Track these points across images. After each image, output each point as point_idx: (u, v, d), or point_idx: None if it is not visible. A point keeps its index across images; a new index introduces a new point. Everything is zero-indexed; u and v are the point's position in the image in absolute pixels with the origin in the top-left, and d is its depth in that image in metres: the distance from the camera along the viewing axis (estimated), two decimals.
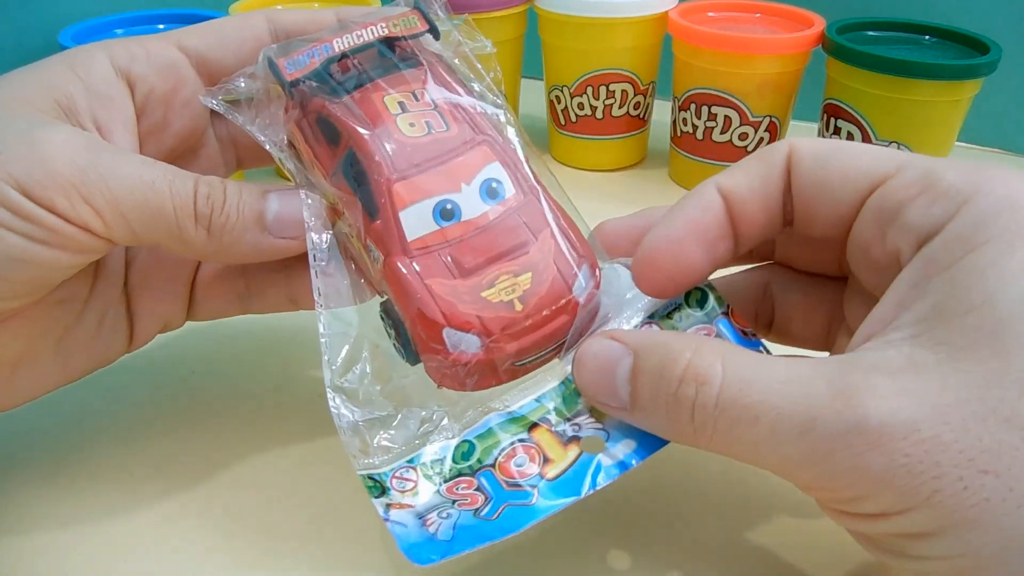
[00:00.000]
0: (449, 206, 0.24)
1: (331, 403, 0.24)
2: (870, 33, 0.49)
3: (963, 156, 0.55)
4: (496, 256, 0.24)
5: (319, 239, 0.25)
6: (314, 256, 0.25)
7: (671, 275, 0.23)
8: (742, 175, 0.23)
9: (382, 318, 0.26)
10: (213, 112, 0.28)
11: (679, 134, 0.52)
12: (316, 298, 0.25)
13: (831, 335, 0.27)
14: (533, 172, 0.26)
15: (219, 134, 0.30)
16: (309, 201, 0.25)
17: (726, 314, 0.25)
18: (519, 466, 0.23)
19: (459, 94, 0.26)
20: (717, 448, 0.20)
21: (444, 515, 0.22)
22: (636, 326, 0.25)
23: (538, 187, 0.25)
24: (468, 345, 0.23)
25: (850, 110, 0.47)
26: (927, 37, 0.48)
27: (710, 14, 0.53)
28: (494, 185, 0.25)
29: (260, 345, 0.37)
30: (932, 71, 0.43)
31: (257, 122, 0.26)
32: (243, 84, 0.26)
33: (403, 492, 0.23)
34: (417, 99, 0.25)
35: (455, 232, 0.24)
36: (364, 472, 0.24)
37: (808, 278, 0.27)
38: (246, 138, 0.28)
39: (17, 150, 0.22)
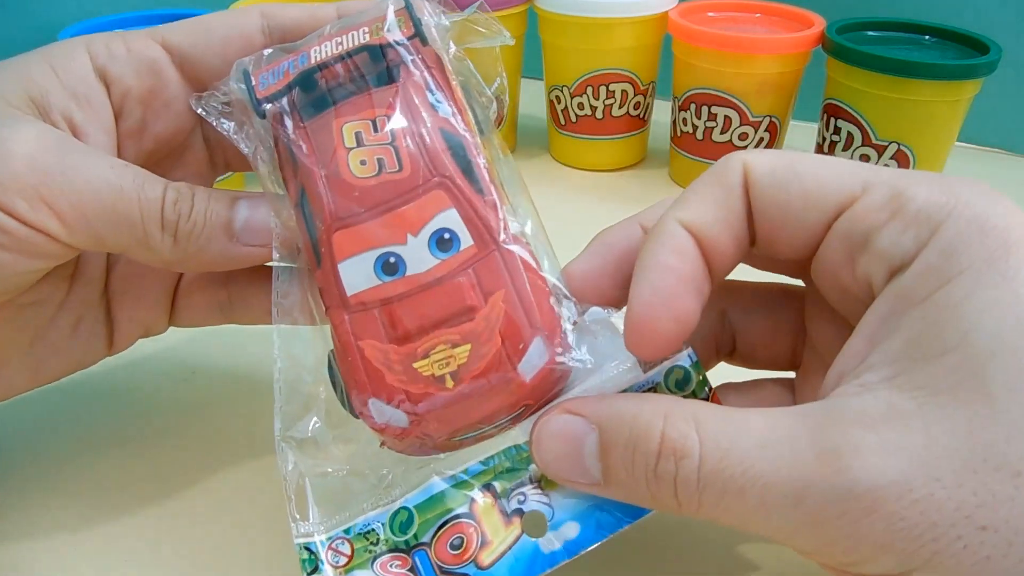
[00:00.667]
0: (392, 259, 0.22)
1: (279, 456, 0.23)
2: (870, 33, 0.49)
3: (963, 156, 0.55)
4: (436, 321, 0.21)
5: (280, 259, 0.24)
6: (277, 275, 0.24)
7: (671, 335, 0.21)
8: (702, 205, 0.22)
9: (329, 366, 0.23)
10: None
11: (679, 134, 0.52)
12: (274, 318, 0.24)
13: (796, 354, 0.26)
14: (504, 220, 0.22)
15: (208, 136, 0.29)
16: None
17: (707, 398, 0.23)
18: (454, 550, 0.22)
19: (426, 119, 0.23)
20: (707, 518, 0.19)
21: None
22: None
23: (502, 236, 0.22)
24: (395, 419, 0.21)
25: (850, 110, 0.47)
26: (927, 37, 0.48)
27: (710, 14, 0.53)
28: (446, 236, 0.22)
29: (261, 347, 0.37)
30: (932, 71, 0.43)
31: (245, 130, 0.25)
32: (234, 88, 0.24)
33: (335, 567, 0.22)
34: (376, 130, 0.22)
35: (396, 288, 0.21)
36: (301, 542, 0.22)
37: (765, 296, 0.26)
38: None
39: None
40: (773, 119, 0.49)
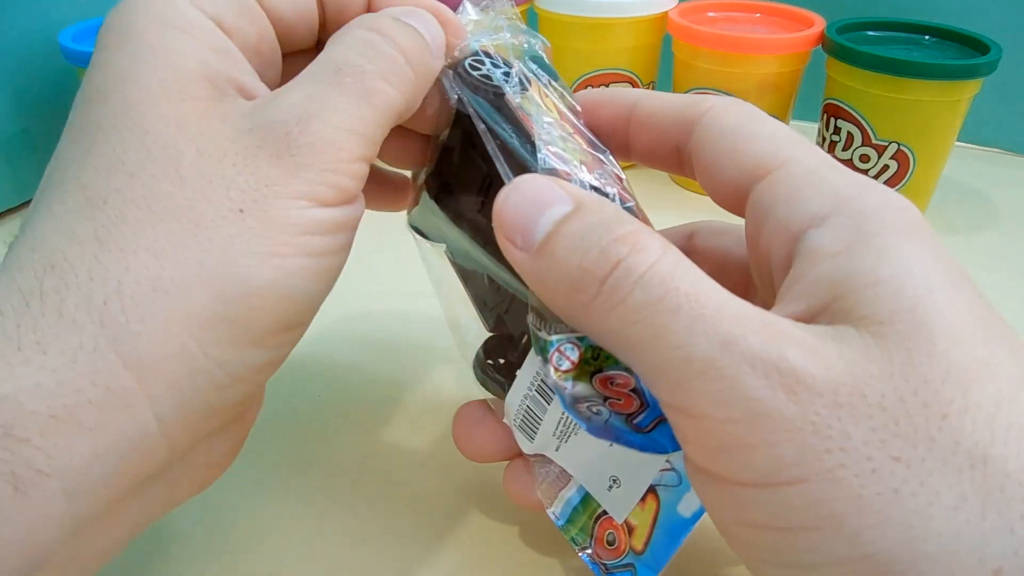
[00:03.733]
0: None
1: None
2: (870, 33, 0.49)
3: (963, 156, 0.55)
4: None
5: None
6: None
7: None
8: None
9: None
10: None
11: None
12: None
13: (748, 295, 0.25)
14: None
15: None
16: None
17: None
18: (610, 546, 0.23)
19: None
20: (604, 325, 0.18)
21: None
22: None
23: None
24: None
25: (850, 110, 0.47)
26: (927, 37, 0.48)
27: (710, 14, 0.53)
28: None
29: None
30: (932, 71, 0.43)
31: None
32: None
33: (557, 370, 0.21)
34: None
35: None
36: (543, 336, 0.21)
37: (729, 233, 0.26)
38: None
39: (277, 179, 0.19)
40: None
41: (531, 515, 0.28)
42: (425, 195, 0.25)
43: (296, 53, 0.24)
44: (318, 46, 0.25)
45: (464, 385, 0.35)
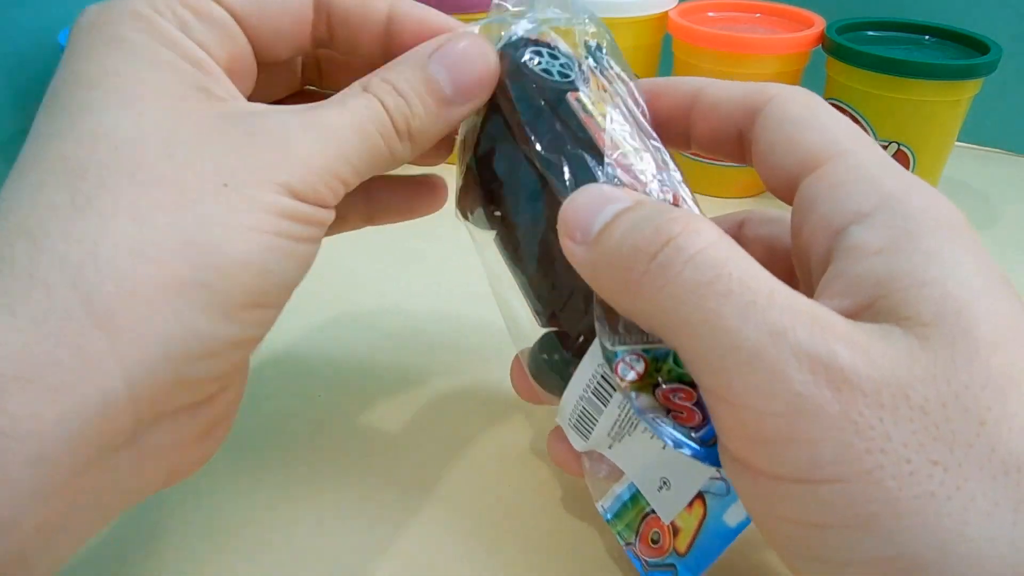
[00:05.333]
0: None
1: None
2: (870, 33, 0.49)
3: (963, 156, 0.55)
4: None
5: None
6: None
7: None
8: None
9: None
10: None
11: None
12: None
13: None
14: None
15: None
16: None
17: None
18: (654, 543, 0.24)
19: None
20: (653, 304, 0.18)
21: None
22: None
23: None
24: None
25: (850, 110, 0.47)
26: (927, 37, 0.48)
27: (710, 14, 0.53)
28: None
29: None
30: (932, 71, 0.43)
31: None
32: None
33: (623, 380, 0.21)
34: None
35: None
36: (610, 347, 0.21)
37: (779, 222, 0.26)
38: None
39: (268, 159, 0.19)
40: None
41: (539, 510, 0.28)
42: (474, 185, 0.25)
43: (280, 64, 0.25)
44: (316, 62, 0.27)
45: (467, 382, 0.35)
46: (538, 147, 0.22)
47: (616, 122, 0.23)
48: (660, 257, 0.18)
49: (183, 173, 0.18)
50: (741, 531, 0.22)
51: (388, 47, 0.24)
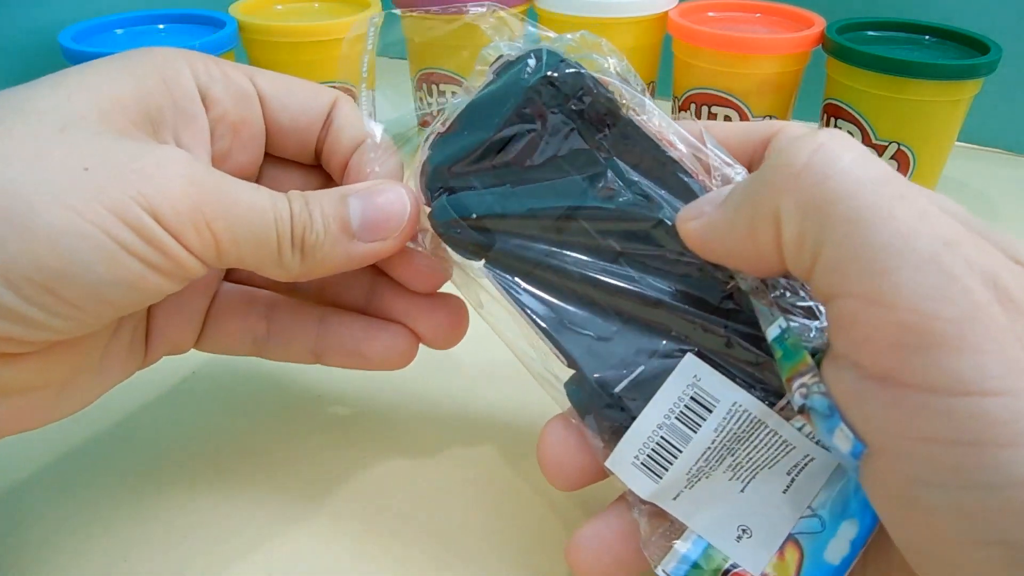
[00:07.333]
0: None
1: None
2: (870, 33, 0.49)
3: (963, 156, 0.55)
4: None
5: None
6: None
7: None
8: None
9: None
10: (267, 161, 0.27)
11: None
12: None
13: None
14: None
15: (267, 180, 0.28)
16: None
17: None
18: None
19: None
20: (806, 198, 0.18)
21: None
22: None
23: None
24: None
25: (850, 110, 0.47)
26: (927, 37, 0.48)
27: (710, 14, 0.53)
28: None
29: None
30: (932, 71, 0.43)
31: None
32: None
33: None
34: None
35: None
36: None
37: None
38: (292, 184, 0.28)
39: (147, 170, 0.20)
40: (773, 119, 0.49)
41: (541, 519, 0.28)
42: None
43: (303, 165, 0.28)
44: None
45: (466, 387, 0.35)
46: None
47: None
48: (816, 157, 0.18)
49: (55, 144, 0.20)
50: (849, 566, 0.20)
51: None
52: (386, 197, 0.24)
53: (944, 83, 0.43)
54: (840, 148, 0.18)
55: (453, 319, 0.28)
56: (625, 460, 0.22)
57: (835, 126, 0.48)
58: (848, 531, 0.21)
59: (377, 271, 0.28)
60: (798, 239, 0.18)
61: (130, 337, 0.26)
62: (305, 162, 0.28)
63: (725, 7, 0.53)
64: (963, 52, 0.46)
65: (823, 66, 0.48)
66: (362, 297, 0.29)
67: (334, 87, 0.28)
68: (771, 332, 0.21)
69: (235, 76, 0.25)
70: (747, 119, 0.49)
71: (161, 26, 0.49)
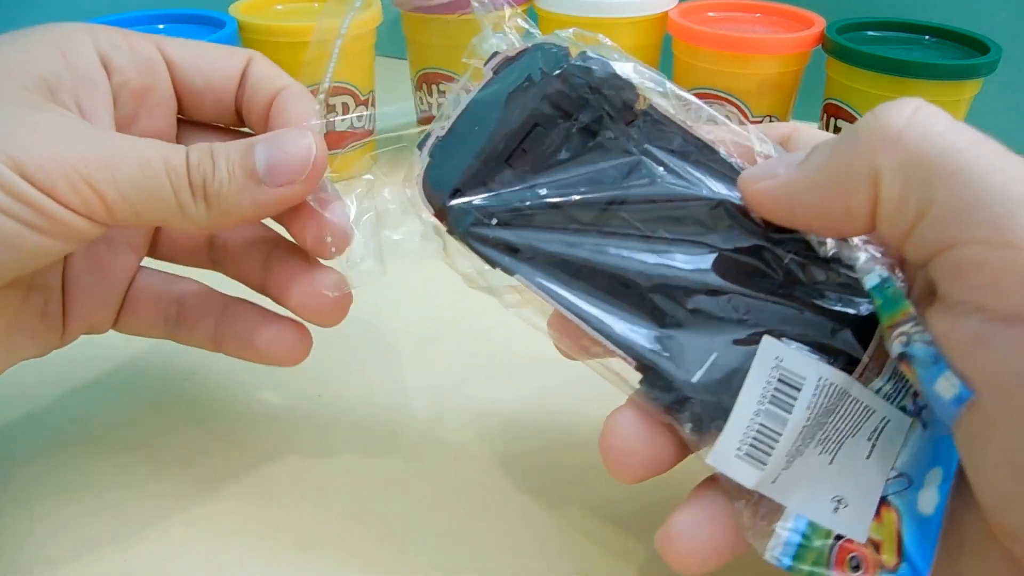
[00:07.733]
0: None
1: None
2: (870, 33, 0.49)
3: None
4: None
5: None
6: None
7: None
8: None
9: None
10: (181, 126, 0.28)
11: None
12: None
13: None
14: None
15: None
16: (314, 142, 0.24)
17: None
18: (855, 571, 0.21)
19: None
20: (909, 155, 0.19)
21: None
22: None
23: None
24: None
25: (850, 110, 0.47)
26: (927, 37, 0.48)
27: (710, 14, 0.53)
28: None
29: None
30: (932, 71, 0.43)
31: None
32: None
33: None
34: None
35: None
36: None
37: None
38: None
39: (16, 131, 0.21)
40: (773, 119, 0.49)
41: (545, 517, 0.28)
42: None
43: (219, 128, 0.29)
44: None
45: (466, 385, 0.35)
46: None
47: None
48: (916, 117, 0.19)
49: None
50: (943, 510, 0.20)
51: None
52: (291, 139, 0.24)
53: (944, 83, 0.43)
54: (935, 112, 0.19)
55: (336, 300, 0.27)
56: (728, 454, 0.21)
57: (835, 126, 0.48)
58: (933, 479, 0.21)
59: (273, 244, 0.28)
60: (901, 197, 0.19)
61: (41, 310, 0.26)
62: (230, 124, 0.29)
63: (725, 7, 0.53)
64: (963, 52, 0.46)
65: (823, 66, 0.48)
66: (258, 269, 0.28)
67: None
68: (869, 280, 0.21)
69: (140, 44, 0.26)
70: (747, 119, 0.49)
71: (161, 26, 0.49)
